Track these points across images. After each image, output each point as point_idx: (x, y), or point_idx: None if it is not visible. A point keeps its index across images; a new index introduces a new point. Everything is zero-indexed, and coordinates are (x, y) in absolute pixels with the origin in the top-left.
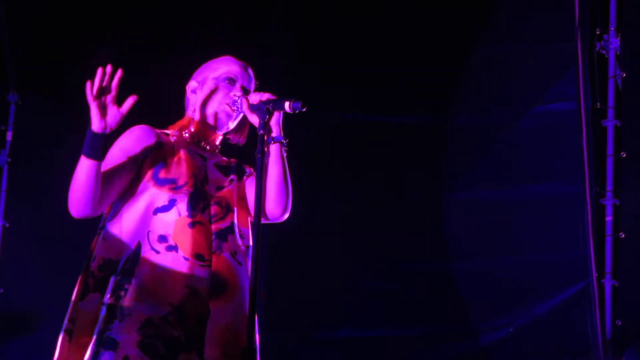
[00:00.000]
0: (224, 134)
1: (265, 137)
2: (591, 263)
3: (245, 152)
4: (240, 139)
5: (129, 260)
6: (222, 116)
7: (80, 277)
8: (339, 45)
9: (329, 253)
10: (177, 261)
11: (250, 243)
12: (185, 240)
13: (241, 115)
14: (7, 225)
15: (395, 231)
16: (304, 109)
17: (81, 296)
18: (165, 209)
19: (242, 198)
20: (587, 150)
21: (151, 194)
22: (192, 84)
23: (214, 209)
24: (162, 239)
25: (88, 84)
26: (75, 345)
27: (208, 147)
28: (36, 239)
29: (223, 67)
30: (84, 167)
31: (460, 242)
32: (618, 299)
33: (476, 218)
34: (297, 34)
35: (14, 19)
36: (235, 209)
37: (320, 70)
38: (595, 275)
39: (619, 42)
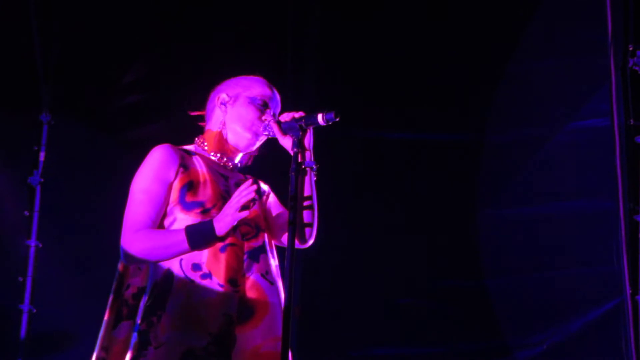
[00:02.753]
0: (244, 153)
1: (300, 156)
2: (625, 279)
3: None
4: (250, 161)
5: (157, 286)
6: (250, 137)
7: (110, 304)
8: (373, 62)
9: (363, 270)
10: (213, 289)
11: (276, 262)
12: (218, 266)
13: (265, 138)
14: (40, 245)
15: (429, 248)
16: (337, 119)
17: (114, 324)
18: None
19: (265, 218)
20: (620, 166)
21: (179, 219)
22: (222, 97)
23: (243, 229)
24: (196, 267)
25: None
26: None
27: (230, 165)
28: (68, 259)
29: (257, 87)
30: (181, 248)
31: (494, 258)
32: None
33: (510, 234)
34: (327, 50)
35: (47, 39)
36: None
37: (352, 88)
38: (629, 291)
39: None
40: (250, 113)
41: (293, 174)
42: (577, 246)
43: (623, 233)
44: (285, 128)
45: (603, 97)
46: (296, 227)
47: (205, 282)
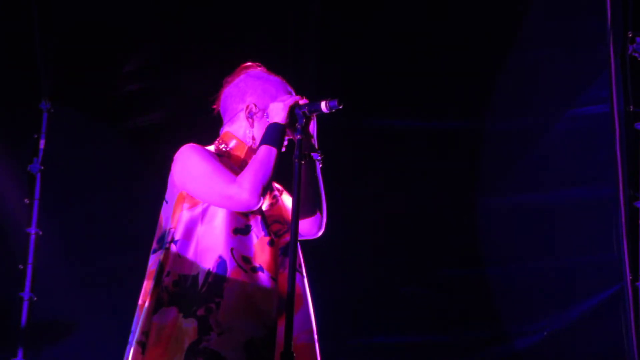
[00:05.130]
0: None
1: (303, 143)
2: (625, 266)
3: None
4: None
5: (211, 274)
6: None
7: (150, 291)
8: (373, 50)
9: (362, 258)
10: (266, 281)
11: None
12: (268, 259)
13: None
14: (41, 233)
15: (430, 236)
16: (341, 106)
17: (154, 310)
18: (243, 231)
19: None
20: (620, 153)
21: (227, 213)
22: (251, 107)
23: (275, 227)
24: (246, 260)
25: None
26: (148, 358)
27: None
28: (69, 246)
29: (282, 96)
30: (270, 154)
31: (494, 246)
32: None
33: (510, 222)
34: (327, 38)
35: (46, 27)
36: None
37: (355, 76)
38: (629, 278)
39: None
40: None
41: (297, 160)
42: (578, 233)
43: (623, 220)
44: (291, 114)
45: (602, 84)
46: (298, 215)
47: (258, 274)
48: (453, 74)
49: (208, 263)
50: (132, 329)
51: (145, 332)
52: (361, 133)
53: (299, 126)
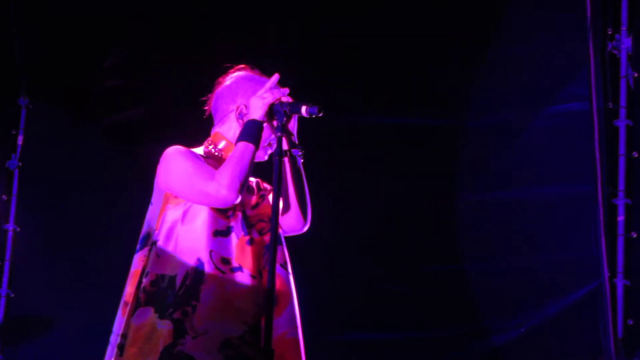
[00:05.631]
0: None
1: (285, 140)
2: (603, 263)
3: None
4: None
5: (189, 276)
6: (263, 153)
7: (127, 291)
8: (351, 47)
9: (343, 256)
10: (245, 280)
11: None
12: (247, 259)
13: None
14: (18, 229)
15: (408, 233)
16: (321, 114)
17: (133, 311)
18: (224, 233)
19: None
20: (599, 150)
21: (208, 215)
22: (242, 108)
23: (259, 225)
24: (225, 261)
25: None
26: (125, 358)
27: None
28: (47, 243)
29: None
30: (248, 150)
31: (472, 243)
32: (630, 298)
33: (488, 219)
34: (308, 35)
35: (24, 23)
36: None
37: (332, 72)
38: (607, 275)
39: (630, 42)
40: (267, 132)
41: (277, 158)
42: (555, 230)
43: (601, 217)
44: (271, 111)
45: (582, 81)
46: (277, 212)
47: (236, 274)
48: (429, 70)
49: (186, 265)
50: (113, 329)
51: (123, 335)
52: (338, 130)
53: (278, 124)
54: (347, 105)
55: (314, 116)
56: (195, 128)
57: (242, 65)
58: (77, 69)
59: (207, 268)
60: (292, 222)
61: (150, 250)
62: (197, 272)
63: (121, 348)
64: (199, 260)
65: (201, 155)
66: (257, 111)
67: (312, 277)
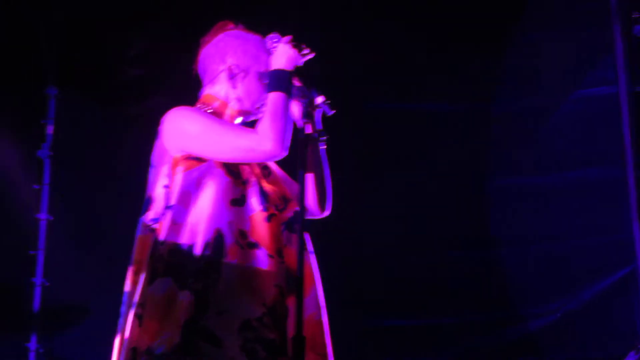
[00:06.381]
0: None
1: (309, 127)
2: (636, 247)
3: None
4: None
5: (208, 246)
6: (255, 112)
7: (147, 259)
8: (378, 34)
9: (372, 242)
10: (263, 259)
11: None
12: (265, 236)
13: None
14: (51, 218)
15: (438, 219)
16: (329, 114)
17: (150, 280)
18: (240, 202)
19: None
20: (628, 133)
21: (223, 182)
22: (233, 68)
23: (276, 201)
24: (243, 235)
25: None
26: (145, 330)
27: None
28: (80, 231)
29: (263, 57)
30: (282, 101)
31: (504, 228)
32: None
33: (520, 204)
34: (331, 22)
35: (51, 11)
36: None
37: (359, 60)
38: None
39: None
40: (259, 91)
41: (303, 142)
42: (587, 215)
43: (633, 201)
44: (295, 93)
45: (609, 65)
46: (303, 197)
47: (255, 251)
48: (458, 56)
49: (205, 234)
50: (123, 299)
51: (141, 304)
52: (366, 116)
53: (305, 110)
54: (378, 93)
55: (321, 109)
56: None
57: (226, 21)
58: (103, 58)
59: (227, 240)
60: (311, 205)
61: (163, 215)
62: (217, 243)
63: (140, 317)
64: (218, 230)
65: None
66: (281, 60)
67: (343, 265)
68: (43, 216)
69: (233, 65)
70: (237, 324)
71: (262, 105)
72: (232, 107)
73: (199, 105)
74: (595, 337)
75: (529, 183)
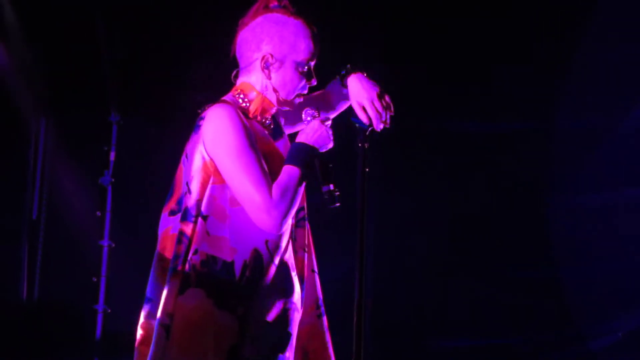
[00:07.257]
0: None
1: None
2: None
3: None
4: None
5: (248, 267)
6: (290, 104)
7: (173, 268)
8: (436, 51)
9: (434, 262)
10: (293, 277)
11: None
12: (290, 253)
13: None
14: (113, 245)
15: (500, 238)
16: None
17: (180, 290)
18: None
19: None
20: None
21: None
22: (268, 58)
23: (299, 214)
24: (278, 250)
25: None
26: (176, 344)
27: (267, 122)
28: (141, 258)
29: (302, 45)
30: (297, 177)
31: (566, 246)
32: None
33: (581, 222)
34: (388, 37)
35: (113, 39)
36: None
37: (418, 78)
38: None
39: None
40: (295, 81)
41: (361, 146)
42: None
43: None
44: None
45: None
46: (365, 208)
47: (286, 270)
48: (518, 73)
49: (244, 253)
50: (147, 294)
51: (169, 314)
52: (427, 135)
53: (362, 134)
54: (440, 112)
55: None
56: None
57: (267, 1)
58: (164, 85)
59: (265, 260)
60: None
61: (196, 223)
62: (256, 263)
63: (167, 329)
64: (256, 250)
65: (245, 116)
66: (311, 136)
67: (407, 284)
68: (105, 243)
69: (268, 54)
70: (266, 350)
71: (300, 93)
72: (268, 98)
73: (235, 92)
74: None
75: (591, 201)
